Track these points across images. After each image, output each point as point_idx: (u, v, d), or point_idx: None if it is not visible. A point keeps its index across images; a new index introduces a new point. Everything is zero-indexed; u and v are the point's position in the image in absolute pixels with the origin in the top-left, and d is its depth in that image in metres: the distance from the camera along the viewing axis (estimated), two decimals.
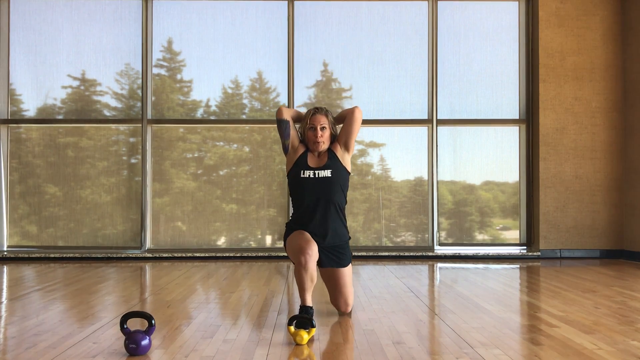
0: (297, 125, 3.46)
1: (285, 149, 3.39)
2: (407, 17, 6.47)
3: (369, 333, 2.98)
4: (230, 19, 6.46)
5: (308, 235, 3.27)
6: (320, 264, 3.35)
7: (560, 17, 6.24)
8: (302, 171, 3.30)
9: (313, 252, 3.13)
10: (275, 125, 6.40)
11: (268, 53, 6.44)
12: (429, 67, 6.41)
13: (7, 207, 6.33)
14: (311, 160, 3.34)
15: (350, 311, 3.48)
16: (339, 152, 3.36)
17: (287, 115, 3.37)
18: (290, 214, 3.47)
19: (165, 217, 6.38)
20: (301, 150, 3.35)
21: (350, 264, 3.44)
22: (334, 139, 3.40)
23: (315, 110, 3.35)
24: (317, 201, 3.28)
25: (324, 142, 3.32)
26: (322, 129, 3.31)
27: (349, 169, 3.40)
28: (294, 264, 3.17)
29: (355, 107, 3.41)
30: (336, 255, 3.36)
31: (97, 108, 6.44)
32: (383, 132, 6.47)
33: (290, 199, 3.46)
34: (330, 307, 3.64)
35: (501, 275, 5.12)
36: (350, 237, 3.48)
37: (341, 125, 3.47)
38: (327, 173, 3.30)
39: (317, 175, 3.29)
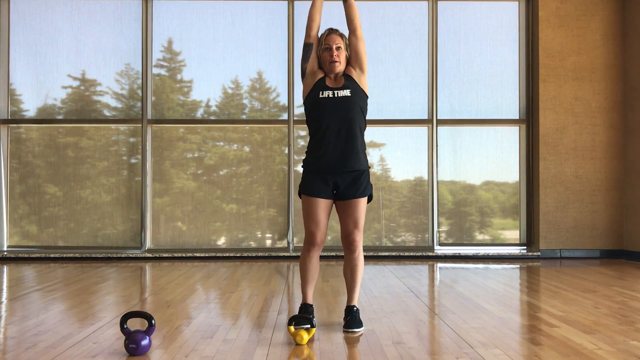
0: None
1: (303, 73, 3.30)
2: (407, 17, 6.47)
3: (369, 333, 2.98)
4: (230, 19, 6.46)
5: (321, 209, 3.14)
6: (339, 197, 3.18)
7: (561, 17, 6.24)
8: (320, 92, 3.21)
9: (321, 241, 3.14)
10: (275, 126, 6.47)
11: (268, 53, 6.44)
12: (429, 67, 6.41)
13: (7, 207, 6.33)
14: (329, 83, 3.26)
15: (358, 251, 3.16)
16: (355, 74, 3.30)
17: (313, 37, 3.26)
18: (306, 149, 3.32)
19: (165, 217, 6.38)
20: (320, 75, 3.28)
21: (367, 197, 3.21)
22: (347, 63, 3.33)
23: (329, 31, 3.28)
24: (337, 122, 3.19)
25: (340, 63, 3.25)
26: (338, 48, 3.24)
27: (366, 92, 3.33)
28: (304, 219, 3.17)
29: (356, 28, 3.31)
30: (355, 185, 3.17)
31: (97, 108, 6.43)
32: (383, 132, 6.46)
33: (308, 128, 3.31)
34: (330, 307, 3.64)
35: (501, 275, 5.12)
36: (370, 167, 3.33)
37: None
38: (346, 92, 3.23)
39: (336, 95, 3.22)
